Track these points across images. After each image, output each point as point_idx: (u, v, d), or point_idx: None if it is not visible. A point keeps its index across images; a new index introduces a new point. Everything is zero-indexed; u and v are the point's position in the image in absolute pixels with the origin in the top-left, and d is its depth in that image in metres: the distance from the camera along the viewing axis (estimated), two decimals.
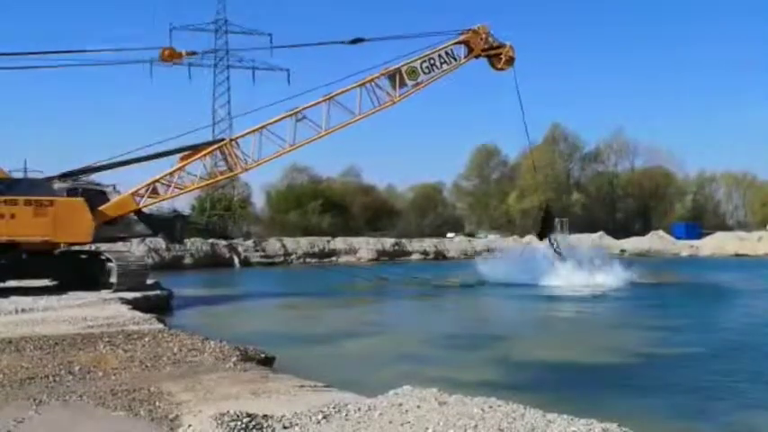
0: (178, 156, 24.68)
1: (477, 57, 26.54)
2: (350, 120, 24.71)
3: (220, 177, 26.30)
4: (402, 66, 25.00)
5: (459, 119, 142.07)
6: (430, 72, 25.33)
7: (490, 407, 6.19)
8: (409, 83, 25.04)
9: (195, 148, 24.80)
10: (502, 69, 27.09)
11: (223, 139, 25.85)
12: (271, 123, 24.48)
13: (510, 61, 26.99)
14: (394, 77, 24.83)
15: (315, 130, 24.51)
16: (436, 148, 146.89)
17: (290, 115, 24.31)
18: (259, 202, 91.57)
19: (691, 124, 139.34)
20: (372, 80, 24.67)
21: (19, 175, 23.60)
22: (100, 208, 23.42)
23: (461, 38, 26.27)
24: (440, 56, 25.59)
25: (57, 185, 23.35)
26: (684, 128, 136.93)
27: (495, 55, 26.78)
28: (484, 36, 26.43)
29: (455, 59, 26.08)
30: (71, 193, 23.30)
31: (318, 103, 24.42)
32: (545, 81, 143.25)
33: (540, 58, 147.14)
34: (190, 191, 26.59)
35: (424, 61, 25.24)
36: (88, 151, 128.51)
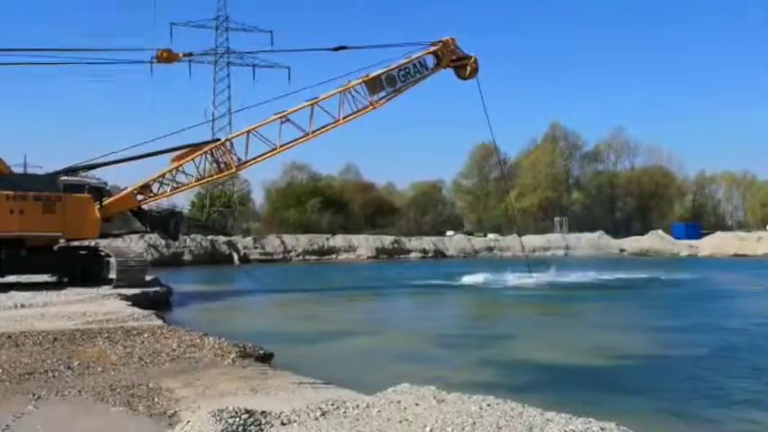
0: (172, 154, 24.98)
1: (444, 67, 27.82)
2: (332, 123, 25.55)
3: (216, 176, 26.58)
4: (381, 73, 26.03)
5: (458, 117, 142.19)
6: (405, 80, 26.56)
7: (488, 405, 6.20)
8: (388, 89, 26.13)
9: (193, 147, 25.09)
10: (467, 79, 28.30)
11: (218, 140, 26.23)
12: (260, 126, 25.26)
13: (474, 72, 28.15)
14: (373, 84, 25.83)
15: (301, 133, 25.47)
16: (436, 146, 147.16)
17: (278, 119, 25.04)
18: (259, 199, 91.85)
19: (691, 124, 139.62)
20: (352, 87, 25.57)
21: (19, 170, 23.66)
22: (103, 204, 23.62)
23: (432, 48, 27.42)
24: (414, 65, 26.85)
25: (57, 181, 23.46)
26: (684, 128, 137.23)
27: (461, 66, 28.05)
28: (452, 47, 27.66)
29: (426, 69, 27.27)
30: (76, 189, 23.43)
31: (304, 107, 25.31)
32: (545, 80, 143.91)
33: (541, 56, 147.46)
34: (187, 189, 26.90)
35: (401, 70, 26.44)
36: (87, 148, 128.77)
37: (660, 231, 76.53)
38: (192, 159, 24.98)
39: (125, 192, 24.94)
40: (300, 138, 25.48)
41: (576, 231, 78.01)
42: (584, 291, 28.56)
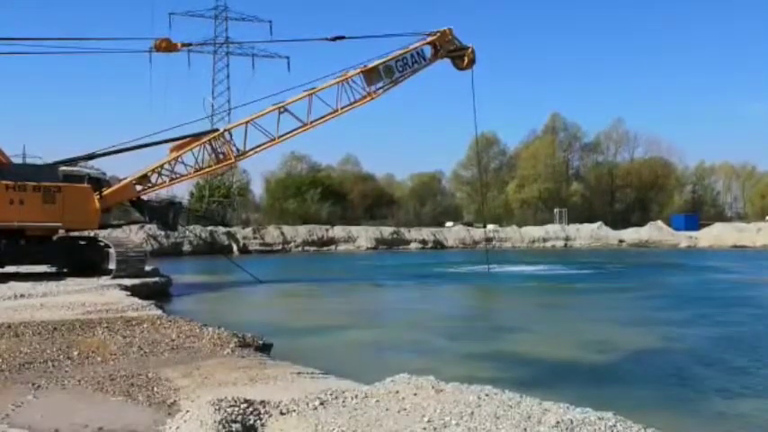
0: (171, 144, 24.97)
1: (442, 57, 27.70)
2: (330, 113, 25.47)
3: (214, 167, 26.56)
4: (379, 64, 25.92)
5: (458, 108, 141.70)
6: (403, 70, 26.45)
7: (486, 395, 6.22)
8: (385, 79, 26.03)
9: (192, 138, 25.07)
10: (464, 69, 28.15)
11: (217, 130, 26.19)
12: (259, 116, 25.17)
13: (471, 62, 28.01)
14: (371, 75, 25.74)
15: (299, 123, 25.41)
16: (435, 137, 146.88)
17: (276, 109, 24.96)
18: (258, 189, 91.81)
19: (690, 115, 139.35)
20: (350, 77, 25.46)
21: (18, 160, 23.63)
22: (103, 195, 23.64)
23: (429, 39, 27.27)
24: (412, 56, 26.74)
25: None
26: (684, 119, 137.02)
27: (458, 56, 27.92)
28: (449, 37, 27.51)
29: (424, 59, 27.15)
30: (76, 179, 23.42)
31: (301, 98, 25.19)
32: (546, 71, 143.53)
33: (542, 47, 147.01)
34: (186, 179, 26.90)
35: (398, 60, 26.33)
36: (86, 139, 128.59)
37: (659, 222, 76.54)
38: (191, 150, 24.97)
39: (124, 182, 24.93)
40: (299, 128, 25.46)
41: (576, 222, 78.04)
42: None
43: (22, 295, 16.57)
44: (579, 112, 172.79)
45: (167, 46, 24.73)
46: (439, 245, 68.09)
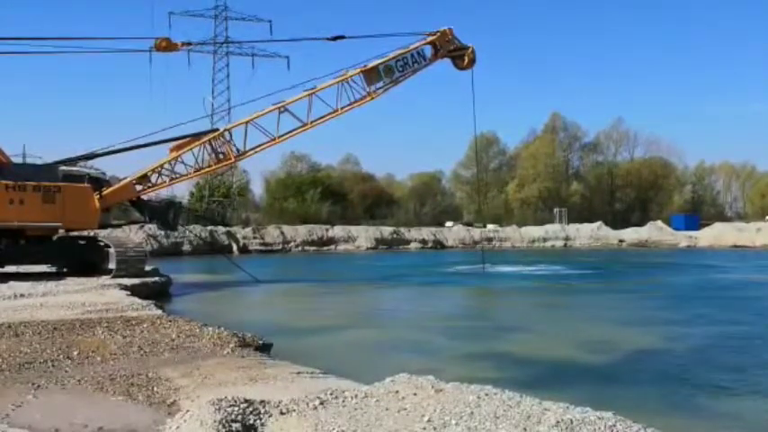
0: (171, 144, 24.97)
1: (442, 57, 27.68)
2: (330, 113, 25.46)
3: (214, 166, 26.54)
4: (379, 64, 25.90)
5: (458, 108, 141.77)
6: (403, 70, 26.41)
7: (486, 394, 6.22)
8: (385, 79, 26.00)
9: (192, 137, 25.08)
10: (465, 69, 28.13)
11: (217, 129, 26.20)
12: (259, 116, 25.15)
13: (472, 62, 27.96)
14: (371, 75, 25.70)
15: (299, 123, 25.39)
16: (436, 138, 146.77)
17: (276, 109, 24.94)
18: (258, 189, 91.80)
19: (691, 115, 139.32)
20: (350, 77, 25.43)
21: (18, 160, 23.64)
22: (103, 194, 23.66)
23: (430, 39, 27.23)
24: (411, 55, 26.68)
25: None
26: (684, 119, 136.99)
27: (458, 56, 27.87)
28: (450, 37, 27.46)
29: (424, 59, 27.11)
30: (76, 179, 23.44)
31: (301, 98, 25.16)
32: (546, 71, 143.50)
33: (542, 47, 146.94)
34: (186, 179, 26.91)
35: (399, 60, 26.28)
36: (87, 139, 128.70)
37: (659, 222, 76.51)
38: (191, 150, 24.97)
39: (124, 182, 24.94)
40: (299, 128, 25.45)
41: (576, 222, 78.06)
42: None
43: (22, 295, 16.58)
44: (579, 112, 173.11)
45: (167, 46, 24.72)
46: (439, 245, 68.06)
